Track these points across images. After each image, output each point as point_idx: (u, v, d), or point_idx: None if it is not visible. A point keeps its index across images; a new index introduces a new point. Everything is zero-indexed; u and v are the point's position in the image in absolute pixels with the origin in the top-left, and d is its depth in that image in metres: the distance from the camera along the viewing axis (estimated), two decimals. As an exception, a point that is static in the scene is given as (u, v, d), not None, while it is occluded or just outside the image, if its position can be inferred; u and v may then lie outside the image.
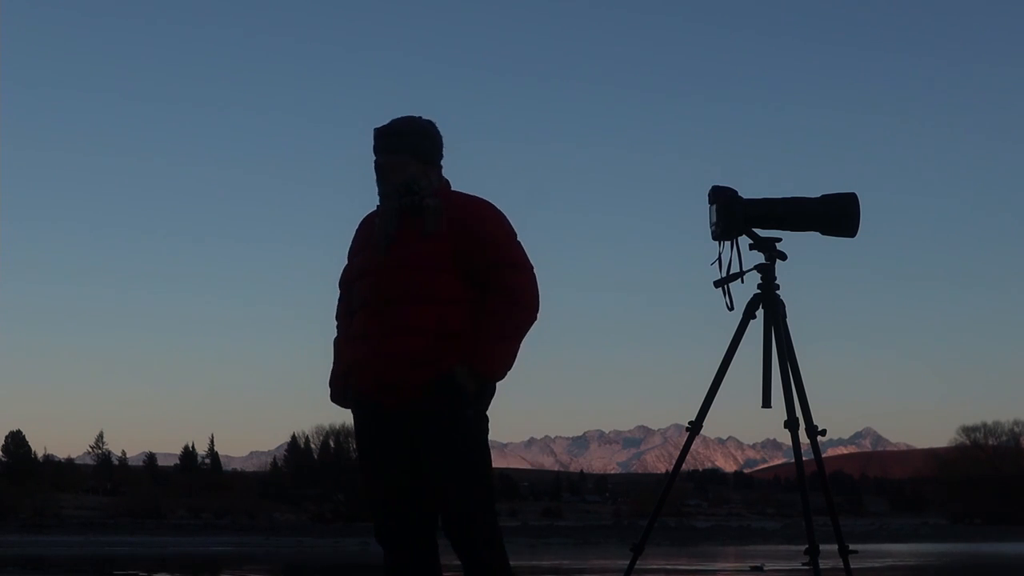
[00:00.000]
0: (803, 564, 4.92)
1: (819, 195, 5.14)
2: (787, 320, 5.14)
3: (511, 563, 4.27)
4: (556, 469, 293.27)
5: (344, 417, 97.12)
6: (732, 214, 5.08)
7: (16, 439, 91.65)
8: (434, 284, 4.14)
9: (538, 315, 4.25)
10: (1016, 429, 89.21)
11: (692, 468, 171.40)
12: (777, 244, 5.15)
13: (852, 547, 5.22)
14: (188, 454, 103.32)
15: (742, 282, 5.15)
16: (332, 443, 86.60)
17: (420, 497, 4.25)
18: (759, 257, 5.16)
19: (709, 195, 5.15)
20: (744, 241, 5.14)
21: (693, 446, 5.30)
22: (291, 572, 17.54)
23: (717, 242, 5.14)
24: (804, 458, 5.20)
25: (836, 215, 5.11)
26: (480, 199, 4.29)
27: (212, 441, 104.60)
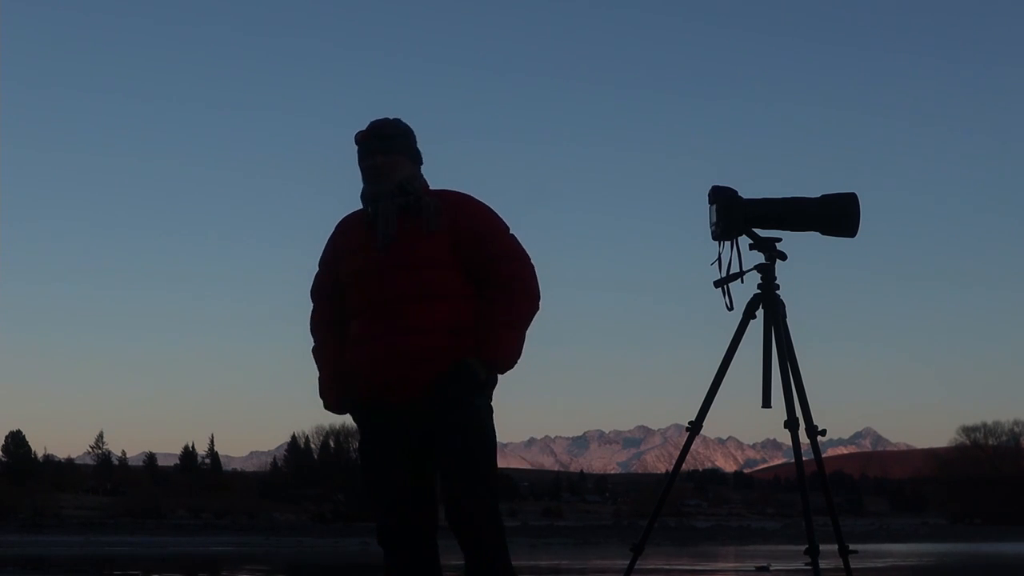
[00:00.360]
0: (805, 564, 4.92)
1: (819, 195, 5.14)
2: (787, 320, 5.15)
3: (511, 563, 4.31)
4: (556, 469, 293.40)
5: (344, 417, 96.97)
6: (732, 214, 5.08)
7: (16, 439, 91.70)
8: (439, 281, 4.20)
9: (540, 304, 4.32)
10: (1016, 429, 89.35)
11: (692, 468, 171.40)
12: (777, 244, 5.16)
13: (852, 547, 5.22)
14: (188, 454, 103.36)
15: (742, 282, 5.15)
16: (332, 443, 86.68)
17: (424, 498, 4.30)
18: (759, 257, 5.16)
19: (709, 195, 5.15)
20: (744, 241, 5.15)
21: (693, 446, 5.30)
22: (291, 572, 17.54)
23: (717, 242, 5.14)
24: (804, 458, 5.20)
25: (836, 215, 5.11)
26: (466, 194, 4.37)
27: (212, 441, 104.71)
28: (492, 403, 4.32)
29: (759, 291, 5.15)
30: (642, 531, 5.26)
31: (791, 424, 5.03)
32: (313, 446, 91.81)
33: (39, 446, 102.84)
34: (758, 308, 5.15)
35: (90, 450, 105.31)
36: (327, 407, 4.45)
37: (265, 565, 18.89)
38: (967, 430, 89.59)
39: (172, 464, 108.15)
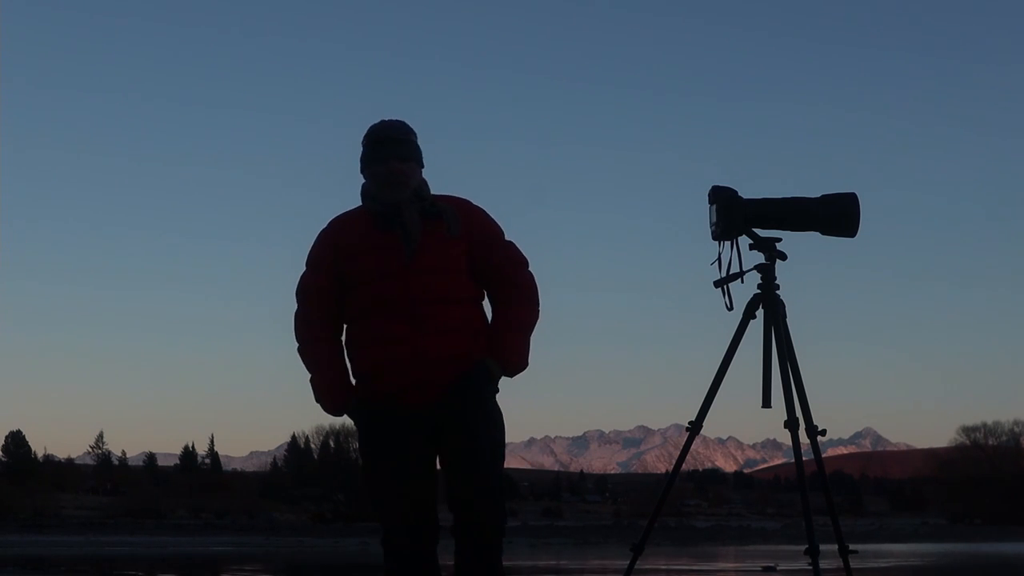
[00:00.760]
0: (807, 564, 4.91)
1: (819, 195, 5.15)
2: (787, 320, 5.15)
3: (508, 563, 4.34)
4: (556, 469, 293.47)
5: (345, 417, 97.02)
6: (732, 214, 5.09)
7: (16, 439, 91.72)
8: (458, 284, 4.30)
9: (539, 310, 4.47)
10: (1016, 429, 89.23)
11: (692, 468, 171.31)
12: (777, 244, 5.16)
13: (852, 547, 5.23)
14: (188, 454, 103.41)
15: (742, 282, 5.16)
16: (332, 443, 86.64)
17: (430, 502, 4.35)
18: (759, 257, 5.17)
19: (709, 195, 5.16)
20: (744, 241, 5.15)
21: (693, 446, 5.31)
22: (291, 572, 17.52)
23: (717, 242, 5.15)
24: (804, 458, 5.20)
25: (836, 215, 5.12)
26: (467, 200, 4.46)
27: (212, 441, 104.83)
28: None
29: (759, 291, 5.16)
30: (642, 531, 5.27)
31: (791, 424, 5.04)
32: (313, 446, 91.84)
33: (39, 446, 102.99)
34: (758, 308, 5.16)
35: (90, 450, 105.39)
36: (330, 409, 4.42)
37: (265, 565, 18.88)
38: (967, 430, 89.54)
39: (172, 464, 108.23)
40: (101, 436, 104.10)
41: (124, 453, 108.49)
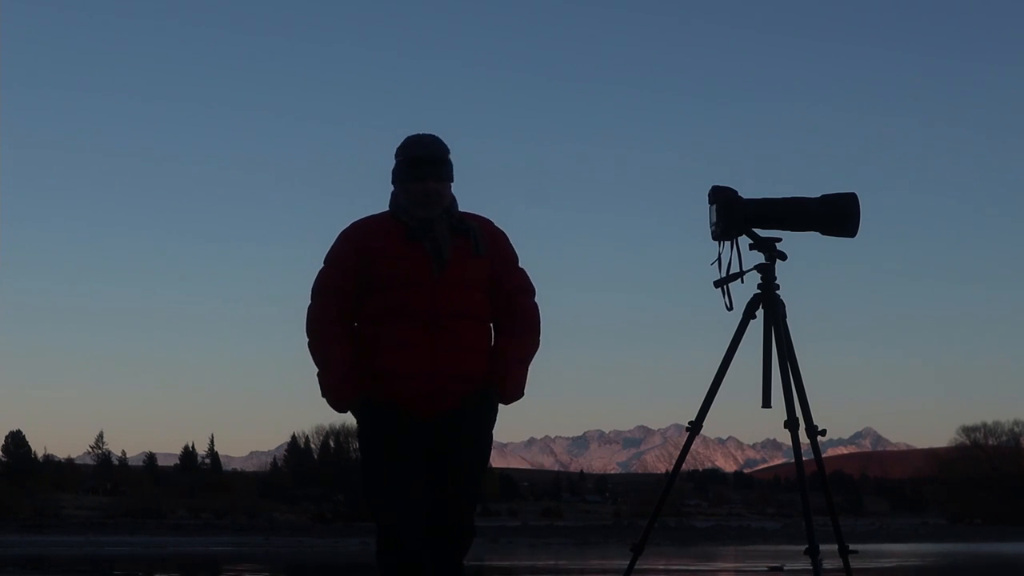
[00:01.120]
0: (805, 566, 4.92)
1: (819, 195, 5.15)
2: (787, 320, 5.15)
3: (508, 563, 4.41)
4: (556, 469, 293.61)
5: (344, 417, 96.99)
6: (732, 214, 5.10)
7: (16, 439, 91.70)
8: (478, 302, 4.42)
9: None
10: (1016, 429, 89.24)
11: (692, 468, 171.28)
12: (777, 244, 5.17)
13: (852, 547, 5.23)
14: (188, 454, 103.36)
15: (742, 282, 5.17)
16: (332, 443, 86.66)
17: (422, 505, 4.42)
18: (759, 257, 5.18)
19: (709, 195, 5.17)
20: (744, 241, 5.16)
21: (693, 446, 5.32)
22: (291, 572, 17.54)
23: (717, 242, 5.16)
24: (804, 458, 5.21)
25: (836, 215, 5.12)
26: (492, 221, 4.57)
27: (212, 441, 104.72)
28: None
29: (759, 291, 5.17)
30: (642, 531, 5.28)
31: (791, 424, 5.04)
32: (313, 446, 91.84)
33: (39, 446, 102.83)
34: (758, 308, 5.16)
35: (90, 450, 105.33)
36: (336, 406, 4.44)
37: (265, 565, 18.90)
38: (967, 430, 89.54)
39: (172, 464, 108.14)
40: (101, 436, 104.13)
41: (124, 453, 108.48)
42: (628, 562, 5.38)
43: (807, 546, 4.87)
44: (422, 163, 4.40)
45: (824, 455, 5.29)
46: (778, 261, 5.16)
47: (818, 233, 5.16)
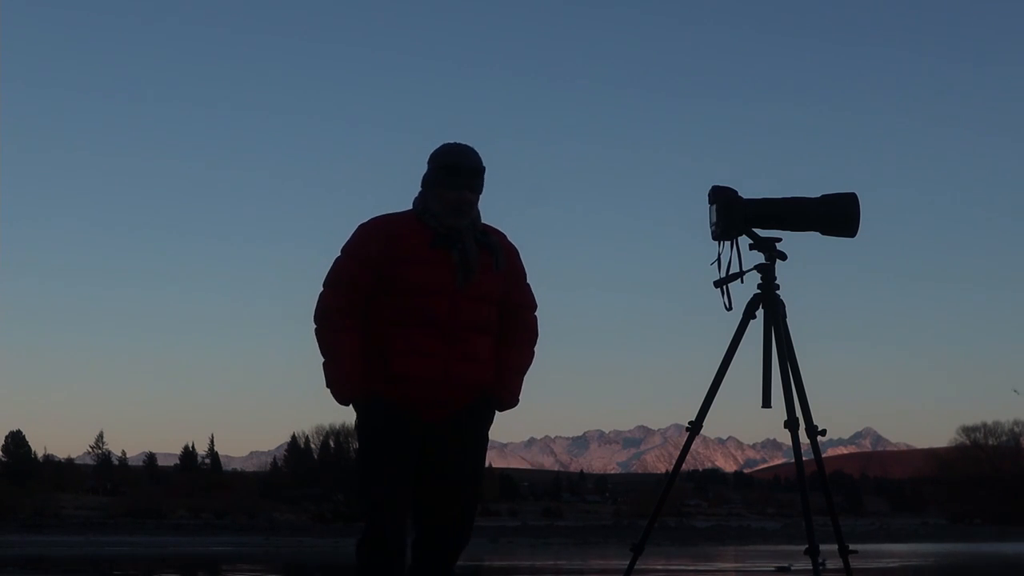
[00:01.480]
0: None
1: (819, 195, 5.15)
2: (787, 320, 5.15)
3: (508, 563, 4.46)
4: (556, 469, 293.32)
5: (344, 417, 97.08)
6: (732, 214, 5.10)
7: (16, 439, 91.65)
8: (492, 315, 4.50)
9: None
10: (1016, 429, 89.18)
11: (692, 468, 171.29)
12: (777, 244, 5.17)
13: (852, 547, 5.23)
14: (188, 454, 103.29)
15: (742, 282, 5.17)
16: (332, 443, 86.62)
17: (408, 508, 4.50)
18: (759, 257, 5.18)
19: (709, 195, 5.17)
20: (744, 241, 5.16)
21: (693, 446, 5.32)
22: (291, 572, 17.53)
23: (717, 242, 5.16)
24: (804, 458, 5.21)
25: (836, 215, 5.13)
26: (506, 235, 4.63)
27: (212, 441, 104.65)
28: None
29: (759, 291, 5.17)
30: (642, 531, 5.28)
31: (791, 424, 5.04)
32: (313, 446, 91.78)
33: (39, 446, 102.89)
34: (758, 308, 5.17)
35: (90, 450, 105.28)
36: (340, 398, 4.43)
37: (265, 565, 18.89)
38: (967, 430, 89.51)
39: (172, 464, 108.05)
40: (101, 436, 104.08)
41: (124, 453, 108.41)
42: (628, 562, 5.39)
43: (807, 546, 4.86)
44: (460, 171, 4.45)
45: (824, 455, 5.30)
46: (778, 261, 5.17)
47: (818, 233, 5.16)
